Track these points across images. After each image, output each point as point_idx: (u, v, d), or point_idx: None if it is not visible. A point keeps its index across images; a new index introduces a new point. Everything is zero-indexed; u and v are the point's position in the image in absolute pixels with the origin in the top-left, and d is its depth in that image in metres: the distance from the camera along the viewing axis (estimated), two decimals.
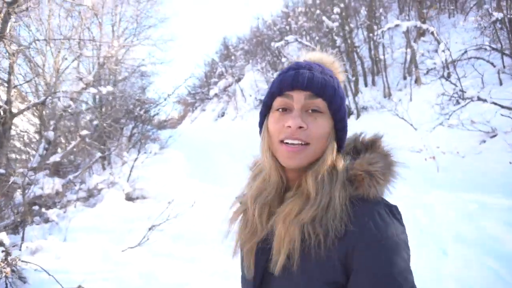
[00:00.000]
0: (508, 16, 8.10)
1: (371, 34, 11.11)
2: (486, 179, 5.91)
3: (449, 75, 10.37)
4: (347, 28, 11.44)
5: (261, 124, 0.93)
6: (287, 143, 0.81)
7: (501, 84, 8.85)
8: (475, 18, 10.23)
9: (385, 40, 12.92)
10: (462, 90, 6.69)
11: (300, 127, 0.80)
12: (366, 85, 12.36)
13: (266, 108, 0.90)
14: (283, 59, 13.51)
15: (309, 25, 15.20)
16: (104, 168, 8.38)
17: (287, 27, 15.94)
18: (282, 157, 0.83)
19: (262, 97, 18.08)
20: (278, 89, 0.85)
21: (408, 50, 11.91)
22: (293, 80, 0.83)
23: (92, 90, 7.43)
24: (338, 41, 11.19)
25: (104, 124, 7.42)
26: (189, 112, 35.11)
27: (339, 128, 0.86)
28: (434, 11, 14.85)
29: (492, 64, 8.29)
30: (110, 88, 7.43)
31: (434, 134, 7.68)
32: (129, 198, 5.69)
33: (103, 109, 10.70)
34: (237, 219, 0.96)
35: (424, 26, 10.09)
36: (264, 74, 17.14)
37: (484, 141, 6.80)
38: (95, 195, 5.59)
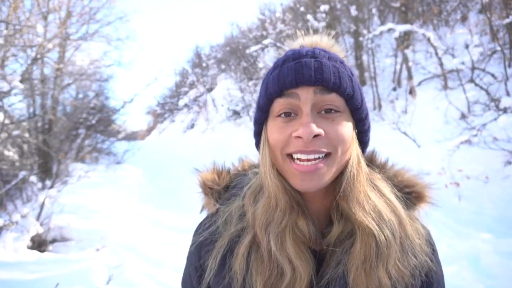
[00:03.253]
0: None
1: (361, 38, 9.86)
2: None
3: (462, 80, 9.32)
4: (333, 32, 10.14)
5: (257, 134, 0.73)
6: (298, 158, 0.63)
7: (508, 94, 7.82)
8: (476, 24, 9.23)
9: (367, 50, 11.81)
10: (495, 99, 5.35)
11: (316, 136, 0.62)
12: None
13: (262, 114, 0.70)
14: (260, 65, 12.05)
15: (289, 32, 13.91)
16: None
17: (264, 33, 14.61)
18: (294, 180, 0.65)
19: (236, 108, 16.50)
20: (277, 88, 0.66)
21: (397, 59, 10.82)
22: (296, 73, 0.64)
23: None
24: None
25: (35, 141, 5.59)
26: (158, 123, 33.36)
27: (362, 129, 0.70)
28: (418, 22, 14.03)
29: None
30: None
31: (445, 153, 6.37)
32: (40, 243, 3.88)
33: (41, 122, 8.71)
34: (243, 254, 0.67)
35: (420, 31, 8.97)
36: (238, 82, 15.63)
37: (510, 163, 5.51)
38: None
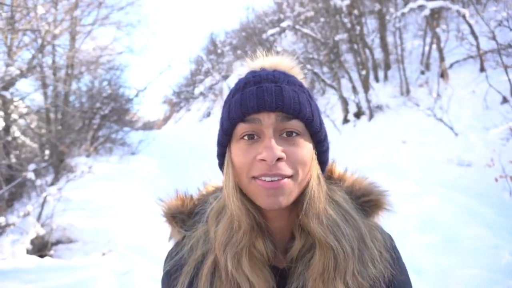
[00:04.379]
0: None
1: (387, 17, 9.09)
2: None
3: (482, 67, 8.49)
4: (356, 11, 9.41)
5: (220, 156, 0.75)
6: (263, 180, 0.66)
7: None
8: None
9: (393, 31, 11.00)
10: None
11: (279, 159, 0.65)
12: (377, 80, 10.37)
13: (226, 137, 0.71)
14: (279, 49, 11.42)
15: (308, 14, 13.17)
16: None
17: (281, 16, 13.90)
18: (260, 197, 0.67)
19: None
20: (239, 113, 0.67)
21: (426, 40, 10.00)
22: (257, 99, 0.67)
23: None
24: (348, 24, 9.15)
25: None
26: (175, 113, 33.24)
27: (321, 150, 0.73)
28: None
29: None
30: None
31: (496, 142, 5.71)
32: (41, 245, 3.52)
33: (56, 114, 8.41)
34: (207, 275, 0.70)
35: (454, 7, 8.15)
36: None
37: None
38: None
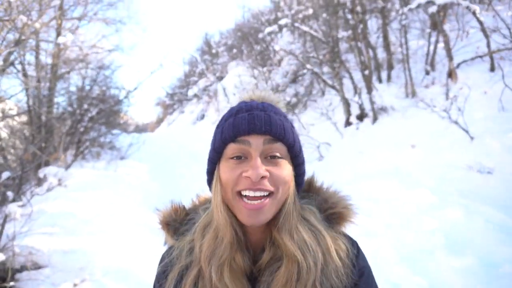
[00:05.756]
0: None
1: (393, 13, 8.61)
2: None
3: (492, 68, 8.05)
4: (359, 8, 8.93)
5: (210, 173, 0.84)
6: (246, 195, 0.75)
7: None
8: None
9: (397, 31, 10.55)
10: None
11: (263, 177, 0.74)
12: (380, 81, 9.89)
13: (217, 155, 0.81)
14: (277, 47, 10.88)
15: (306, 13, 12.68)
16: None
17: (279, 14, 13.40)
18: (242, 215, 0.76)
19: None
20: (231, 134, 0.77)
21: (431, 39, 9.55)
22: (249, 123, 0.77)
23: None
24: (352, 21, 8.65)
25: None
26: (168, 115, 32.60)
27: (299, 173, 0.83)
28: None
29: None
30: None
31: (509, 147, 5.22)
32: (1, 274, 2.91)
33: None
34: (190, 285, 0.79)
35: (464, 3, 7.70)
36: (251, 69, 14.47)
37: None
38: None
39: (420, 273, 3.18)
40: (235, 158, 0.76)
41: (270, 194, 0.74)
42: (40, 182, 4.30)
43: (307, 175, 0.90)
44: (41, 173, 3.77)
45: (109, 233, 4.15)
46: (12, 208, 2.85)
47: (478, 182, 4.81)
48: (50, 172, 3.80)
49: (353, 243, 0.86)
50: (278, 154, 0.76)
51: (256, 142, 0.75)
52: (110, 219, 4.67)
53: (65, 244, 3.50)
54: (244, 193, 0.74)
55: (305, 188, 0.89)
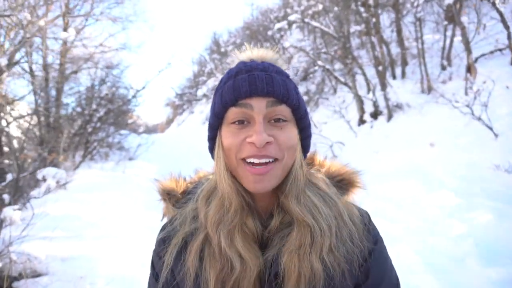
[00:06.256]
0: None
1: (408, 5, 8.27)
2: None
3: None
4: (371, 1, 8.61)
5: (211, 139, 0.79)
6: (251, 162, 0.70)
7: None
8: None
9: (411, 25, 10.17)
10: None
11: (267, 142, 0.70)
12: (394, 77, 9.54)
13: (217, 120, 0.75)
14: (287, 44, 10.62)
15: (315, 9, 12.38)
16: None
17: (289, 10, 13.13)
18: (247, 181, 0.72)
19: None
20: (232, 97, 0.72)
21: (447, 33, 9.16)
22: (250, 85, 0.71)
23: None
24: (364, 14, 8.33)
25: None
26: (178, 115, 32.59)
27: (305, 136, 0.79)
28: None
29: None
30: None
31: None
32: None
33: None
34: (196, 251, 0.75)
35: None
36: None
37: None
38: None
39: (449, 284, 2.89)
40: (237, 122, 0.72)
41: (276, 160, 0.71)
42: (37, 184, 4.14)
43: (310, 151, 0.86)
44: (40, 174, 3.60)
45: (115, 237, 3.95)
46: (8, 212, 2.66)
47: (507, 182, 4.49)
48: (49, 173, 3.63)
49: (365, 212, 0.84)
50: (282, 117, 0.72)
51: (258, 105, 0.70)
52: (117, 222, 4.48)
53: (66, 250, 3.31)
54: (249, 160, 0.70)
55: (308, 161, 0.86)
